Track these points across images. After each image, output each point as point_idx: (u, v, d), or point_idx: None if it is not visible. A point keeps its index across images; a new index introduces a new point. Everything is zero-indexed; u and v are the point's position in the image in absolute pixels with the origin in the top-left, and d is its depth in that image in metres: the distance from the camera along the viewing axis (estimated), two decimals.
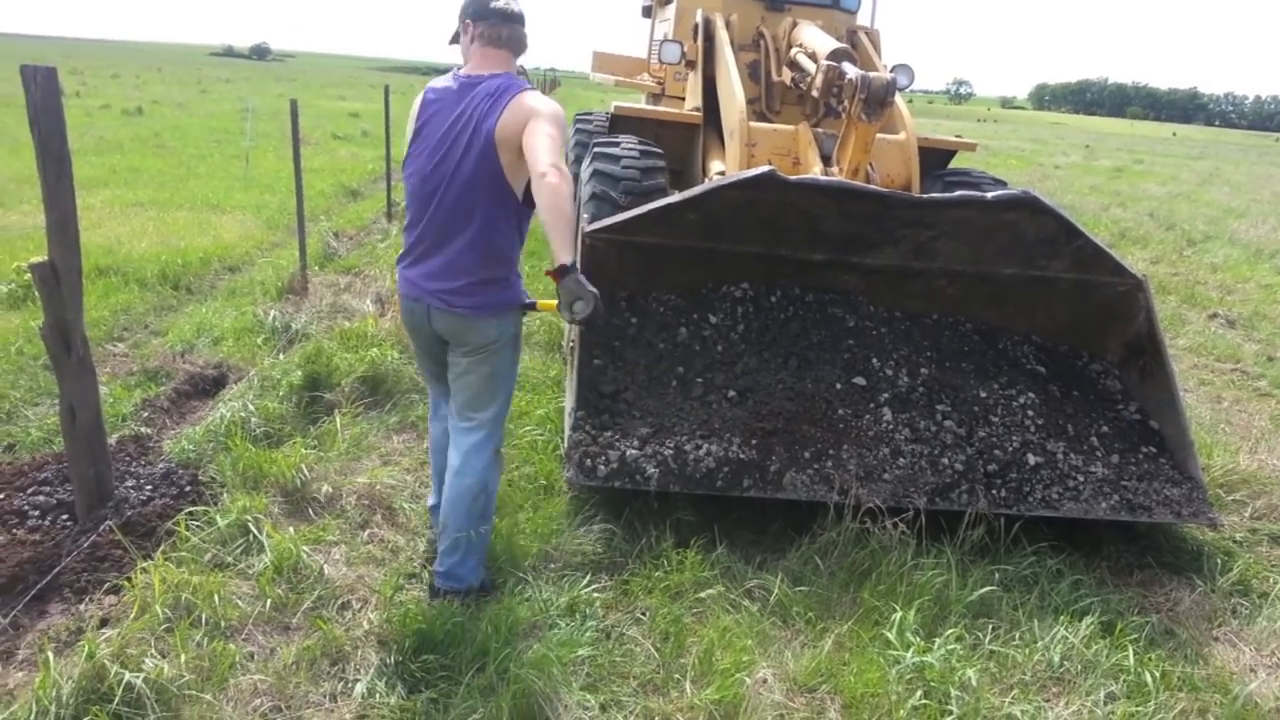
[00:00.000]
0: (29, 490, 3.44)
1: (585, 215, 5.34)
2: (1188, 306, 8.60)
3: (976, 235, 4.09)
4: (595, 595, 3.11)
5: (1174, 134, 73.24)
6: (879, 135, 5.11)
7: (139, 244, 7.50)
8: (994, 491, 3.61)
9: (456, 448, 2.96)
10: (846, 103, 4.88)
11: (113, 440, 3.83)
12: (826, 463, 3.58)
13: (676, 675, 2.77)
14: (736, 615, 3.06)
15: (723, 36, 6.49)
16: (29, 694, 2.38)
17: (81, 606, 2.84)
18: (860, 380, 3.94)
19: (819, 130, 5.58)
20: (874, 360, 4.03)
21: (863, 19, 7.74)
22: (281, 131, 12.61)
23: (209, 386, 4.80)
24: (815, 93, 5.36)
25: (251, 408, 4.17)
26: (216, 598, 2.82)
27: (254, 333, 5.52)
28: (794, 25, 6.55)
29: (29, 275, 3.51)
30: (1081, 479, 3.69)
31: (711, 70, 6.54)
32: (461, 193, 2.73)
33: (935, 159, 6.59)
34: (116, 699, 2.35)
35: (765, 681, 2.74)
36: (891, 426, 3.76)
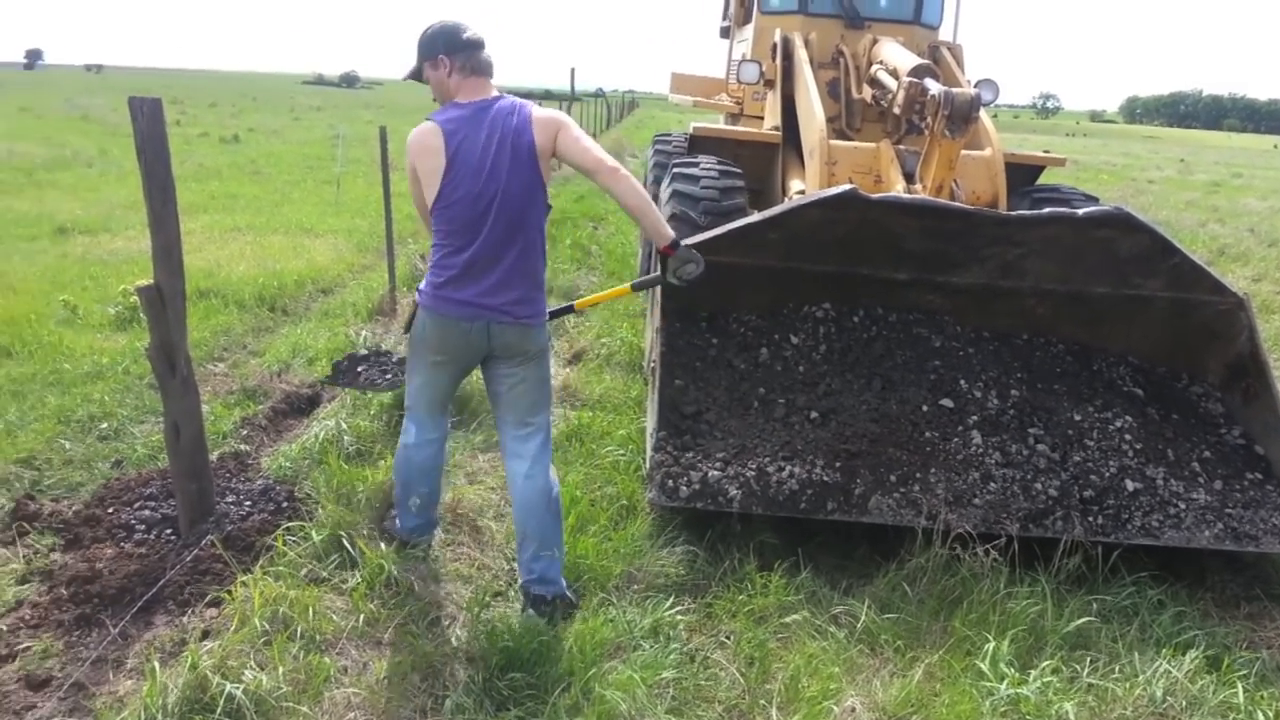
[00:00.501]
0: (135, 505, 3.61)
1: None
2: None
3: (1067, 253, 3.98)
4: (679, 617, 3.10)
5: (1276, 146, 69.92)
6: (963, 152, 5.02)
7: (237, 267, 7.81)
8: (1090, 518, 3.48)
9: (519, 456, 3.10)
10: (930, 119, 4.81)
11: (214, 457, 3.98)
12: (914, 486, 3.51)
13: (762, 701, 2.74)
14: (823, 641, 3.01)
15: (801, 55, 6.46)
16: (137, 702, 2.48)
17: (185, 618, 2.95)
18: (948, 402, 3.85)
19: (901, 147, 5.49)
20: (961, 381, 3.94)
21: (945, 34, 7.61)
22: (371, 157, 12.98)
23: (304, 405, 4.97)
24: (897, 109, 5.30)
25: (344, 426, 4.30)
26: (312, 611, 2.91)
27: (346, 352, 5.68)
28: (874, 42, 6.48)
29: (136, 298, 3.68)
30: (1183, 506, 3.54)
31: (790, 89, 6.51)
32: (513, 207, 2.89)
33: (1022, 175, 6.42)
34: (219, 709, 2.44)
35: (853, 710, 2.69)
36: (981, 450, 3.66)
